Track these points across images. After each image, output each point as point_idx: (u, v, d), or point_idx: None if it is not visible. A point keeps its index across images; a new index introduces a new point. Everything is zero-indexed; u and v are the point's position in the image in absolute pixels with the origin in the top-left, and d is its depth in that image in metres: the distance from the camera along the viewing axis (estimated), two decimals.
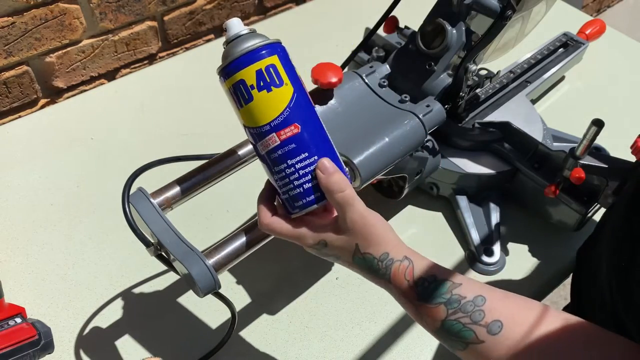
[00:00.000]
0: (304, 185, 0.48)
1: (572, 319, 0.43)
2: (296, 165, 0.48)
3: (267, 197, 0.51)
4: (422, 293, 0.46)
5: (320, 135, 0.49)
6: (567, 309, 0.68)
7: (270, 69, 0.47)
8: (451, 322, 0.44)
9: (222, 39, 1.11)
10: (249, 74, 0.46)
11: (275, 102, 0.47)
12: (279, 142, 0.47)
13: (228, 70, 0.47)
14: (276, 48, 0.48)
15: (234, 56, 0.46)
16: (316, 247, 0.50)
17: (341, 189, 0.47)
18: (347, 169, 0.51)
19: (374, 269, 0.48)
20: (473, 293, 0.45)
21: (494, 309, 0.44)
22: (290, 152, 0.48)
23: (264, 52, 0.47)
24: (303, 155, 0.48)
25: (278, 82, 0.47)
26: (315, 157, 0.48)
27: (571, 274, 0.69)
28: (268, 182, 0.51)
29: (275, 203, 0.52)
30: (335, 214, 0.50)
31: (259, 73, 0.46)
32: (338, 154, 0.50)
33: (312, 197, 0.48)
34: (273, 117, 0.47)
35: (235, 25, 0.48)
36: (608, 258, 0.53)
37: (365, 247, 0.48)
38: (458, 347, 0.45)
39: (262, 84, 0.46)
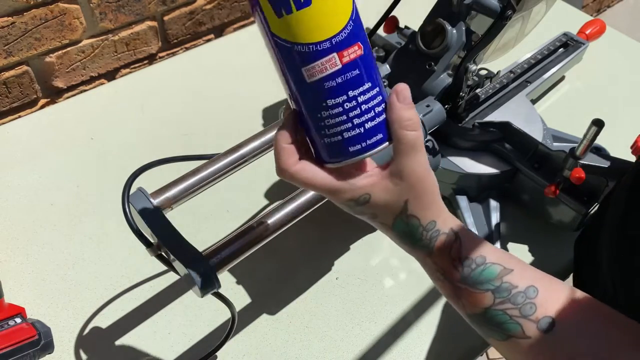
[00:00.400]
0: (366, 124, 0.38)
1: (621, 318, 0.39)
2: (359, 98, 0.37)
3: (290, 136, 0.40)
4: (467, 275, 0.40)
5: (374, 59, 0.39)
6: None
7: None
8: (496, 312, 0.40)
9: (222, 39, 1.12)
10: None
11: (339, 9, 0.35)
12: (340, 65, 0.36)
13: None
14: None
15: None
16: (353, 203, 0.41)
17: (416, 127, 0.39)
18: None
19: (416, 237, 0.42)
20: (525, 283, 0.40)
21: (546, 303, 0.39)
22: (353, 80, 0.37)
23: None
24: (367, 86, 0.37)
25: None
26: (377, 89, 0.38)
27: (571, 274, 0.69)
28: (289, 117, 0.40)
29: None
30: (376, 165, 0.42)
31: None
32: None
33: (375, 139, 0.39)
34: (336, 31, 0.35)
35: None
36: (608, 250, 0.53)
37: (415, 207, 0.40)
38: (496, 337, 0.41)
39: None
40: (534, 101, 0.91)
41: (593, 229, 0.64)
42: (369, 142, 0.39)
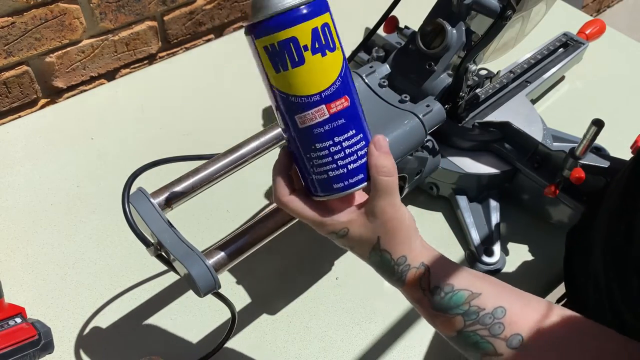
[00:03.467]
0: (349, 166, 0.43)
1: (594, 327, 0.42)
2: (343, 143, 0.42)
3: (285, 169, 0.46)
4: (437, 303, 0.44)
5: (361, 110, 0.44)
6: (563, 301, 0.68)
7: (326, 28, 0.39)
8: (468, 334, 0.43)
9: (222, 39, 1.12)
10: (304, 31, 0.39)
11: (329, 68, 0.40)
12: (327, 115, 0.41)
13: (275, 23, 0.38)
14: (327, 4, 0.40)
15: (286, 6, 0.38)
16: (334, 235, 0.46)
17: (390, 174, 0.43)
18: None
19: (389, 270, 0.46)
20: (493, 304, 0.43)
21: (514, 321, 0.42)
22: (339, 128, 0.42)
23: (321, 6, 0.39)
24: (351, 132, 0.42)
25: (332, 46, 0.40)
26: (361, 135, 0.43)
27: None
28: (285, 154, 0.46)
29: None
30: (357, 202, 0.46)
31: (314, 32, 0.39)
32: None
33: (356, 178, 0.43)
34: (326, 86, 0.40)
35: None
36: (602, 240, 0.53)
37: (386, 242, 0.45)
38: (473, 356, 0.44)
39: (317, 45, 0.39)
40: (534, 101, 0.91)
41: (586, 220, 0.64)
42: (350, 180, 0.44)
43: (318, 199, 0.45)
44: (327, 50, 0.40)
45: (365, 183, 0.44)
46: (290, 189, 0.45)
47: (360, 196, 0.47)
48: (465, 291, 0.44)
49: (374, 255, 0.46)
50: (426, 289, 0.45)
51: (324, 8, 0.40)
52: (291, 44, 0.39)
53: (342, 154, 0.43)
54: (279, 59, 0.40)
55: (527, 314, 0.42)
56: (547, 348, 0.41)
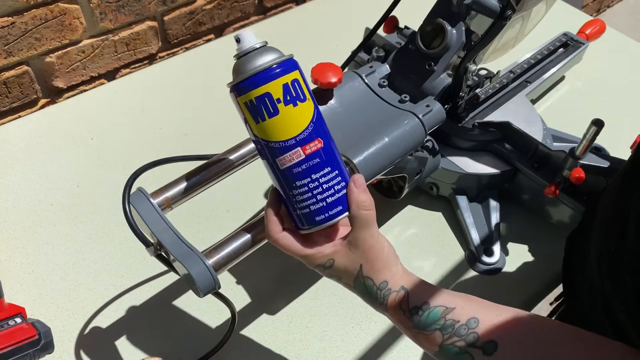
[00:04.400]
0: (327, 199, 0.48)
1: (568, 330, 0.43)
2: (320, 180, 0.48)
3: (275, 209, 0.50)
4: (417, 321, 0.47)
5: (335, 149, 0.49)
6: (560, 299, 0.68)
7: (295, 83, 0.46)
8: (448, 347, 0.45)
9: (222, 39, 1.12)
10: (276, 87, 0.45)
11: (301, 116, 0.47)
12: (303, 156, 0.47)
13: (251, 82, 0.46)
14: (296, 63, 0.47)
15: (259, 68, 0.45)
16: (322, 266, 0.50)
17: (369, 208, 0.48)
18: (347, 167, 0.51)
19: (373, 296, 0.50)
20: (466, 316, 0.45)
21: (488, 330, 0.44)
22: (315, 167, 0.47)
23: (289, 66, 0.46)
24: (327, 170, 0.48)
25: (302, 97, 0.47)
26: (337, 171, 0.48)
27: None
28: (274, 194, 0.51)
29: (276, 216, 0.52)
30: (340, 236, 0.50)
31: (285, 87, 0.46)
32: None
33: (334, 210, 0.48)
34: (299, 132, 0.46)
35: (251, 38, 0.47)
36: (597, 242, 0.54)
37: (368, 270, 0.49)
38: None
39: (288, 97, 0.46)
40: (534, 101, 0.91)
41: (586, 221, 0.64)
42: (330, 212, 0.48)
43: (304, 232, 0.50)
44: (297, 101, 0.46)
45: (346, 213, 0.49)
46: (280, 226, 0.50)
47: (342, 231, 0.51)
48: (440, 307, 0.47)
49: (358, 283, 0.50)
50: (406, 310, 0.48)
51: (292, 67, 0.47)
52: (266, 98, 0.46)
53: (320, 189, 0.48)
54: (257, 111, 0.46)
55: (499, 322, 0.44)
56: (521, 353, 0.42)
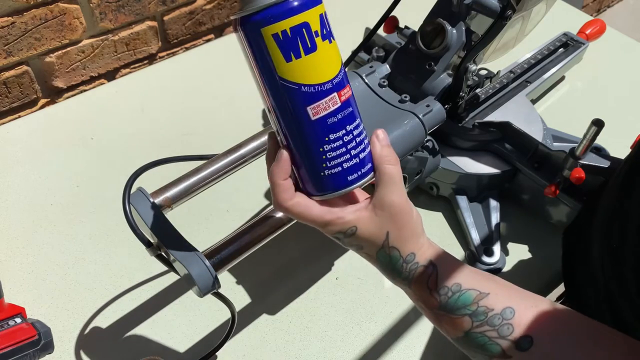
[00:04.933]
0: (360, 155, 0.42)
1: (603, 330, 0.41)
2: (354, 132, 0.42)
3: (285, 173, 0.43)
4: (445, 303, 0.43)
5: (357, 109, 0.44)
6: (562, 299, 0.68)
7: (325, 16, 0.39)
8: (476, 335, 0.42)
9: (222, 39, 1.12)
10: (313, 17, 0.38)
11: (335, 55, 0.40)
12: (339, 103, 0.40)
13: (286, 8, 0.37)
14: None
15: None
16: (342, 235, 0.44)
17: (395, 162, 0.43)
18: None
19: (397, 269, 0.44)
20: (501, 304, 0.42)
21: (523, 322, 0.41)
22: (349, 117, 0.41)
23: None
24: (358, 121, 0.42)
25: (332, 33, 0.40)
26: (362, 125, 0.43)
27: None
28: (284, 157, 0.43)
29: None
30: (364, 198, 0.45)
31: (322, 18, 0.39)
32: None
33: (367, 167, 0.43)
34: (335, 74, 0.40)
35: None
36: (599, 239, 0.54)
37: (395, 238, 0.43)
38: (479, 358, 0.43)
39: (324, 32, 0.39)
40: (534, 101, 0.91)
41: (583, 218, 0.64)
42: (363, 170, 0.43)
43: (325, 197, 0.43)
44: (331, 38, 0.40)
45: (373, 172, 0.43)
46: (292, 192, 0.43)
47: (361, 196, 0.46)
48: (473, 291, 0.42)
49: (381, 254, 0.44)
50: (433, 288, 0.43)
51: None
52: (304, 29, 0.38)
53: (354, 143, 0.42)
54: (291, 46, 0.38)
55: (535, 314, 0.41)
56: (557, 350, 0.40)
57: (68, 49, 0.94)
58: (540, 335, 0.40)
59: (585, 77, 1.00)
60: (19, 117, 0.95)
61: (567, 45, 0.96)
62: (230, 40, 1.08)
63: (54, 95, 0.98)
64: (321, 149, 0.41)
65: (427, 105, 0.64)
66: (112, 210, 0.77)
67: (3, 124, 0.90)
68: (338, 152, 0.41)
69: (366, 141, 0.43)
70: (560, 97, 0.97)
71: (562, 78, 0.99)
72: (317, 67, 0.39)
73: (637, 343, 0.40)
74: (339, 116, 0.41)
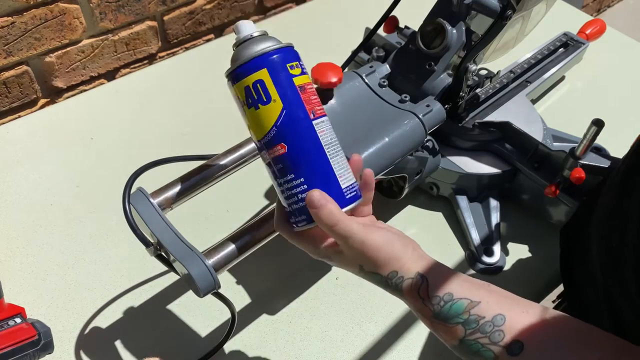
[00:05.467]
0: (294, 205, 0.47)
1: (595, 333, 0.42)
2: (285, 185, 0.47)
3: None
4: (437, 312, 0.45)
5: (314, 156, 0.46)
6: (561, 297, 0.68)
7: (258, 84, 0.45)
8: (469, 342, 0.43)
9: (222, 39, 1.11)
10: (240, 90, 0.46)
11: (263, 119, 0.46)
12: (268, 159, 0.47)
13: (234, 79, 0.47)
14: (265, 60, 0.45)
15: (228, 71, 0.47)
16: (323, 259, 0.49)
17: (332, 223, 0.44)
18: (358, 182, 0.48)
19: (382, 284, 0.47)
20: (492, 312, 0.43)
21: (514, 328, 0.42)
22: (280, 171, 0.47)
23: (256, 64, 0.45)
24: (290, 177, 0.46)
25: (265, 99, 0.45)
26: (302, 180, 0.46)
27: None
28: None
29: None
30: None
31: (247, 89, 0.45)
32: (344, 169, 0.47)
33: (303, 217, 0.47)
34: (262, 136, 0.46)
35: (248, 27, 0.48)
36: (598, 238, 0.54)
37: (371, 268, 0.47)
38: None
39: (250, 100, 0.46)
40: (534, 101, 0.91)
41: (581, 217, 0.64)
42: (298, 218, 0.47)
43: (295, 230, 0.49)
44: (259, 104, 0.45)
45: (311, 225, 0.47)
46: (286, 217, 0.49)
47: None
48: (465, 300, 0.44)
49: (363, 275, 0.48)
50: (425, 297, 0.45)
51: (258, 67, 0.45)
52: (251, 89, 0.45)
53: (289, 193, 0.47)
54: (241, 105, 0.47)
55: (526, 320, 0.42)
56: (547, 354, 0.41)
57: (68, 49, 0.94)
58: (531, 340, 0.41)
59: (585, 77, 1.00)
60: (19, 117, 0.95)
61: (567, 45, 0.96)
62: (230, 40, 1.07)
63: (54, 95, 0.98)
64: (278, 186, 0.48)
65: (427, 105, 0.64)
66: (112, 210, 0.77)
67: (3, 124, 0.90)
68: (283, 195, 0.47)
69: (301, 195, 0.46)
70: (560, 97, 0.97)
71: (562, 78, 0.99)
72: (251, 127, 0.47)
73: (628, 344, 0.40)
74: (275, 168, 0.47)
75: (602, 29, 0.99)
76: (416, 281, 0.45)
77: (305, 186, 0.46)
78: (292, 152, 0.45)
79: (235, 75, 0.46)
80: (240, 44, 0.47)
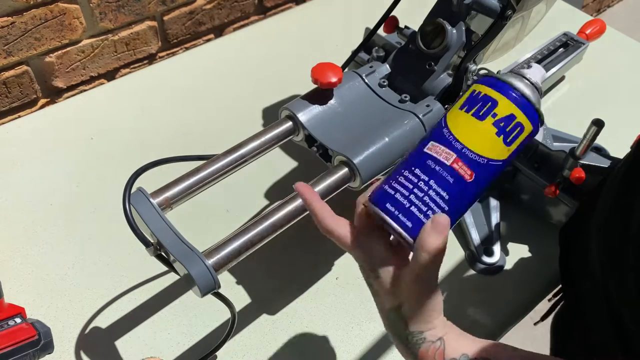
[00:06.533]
0: (413, 208, 0.42)
1: None
2: (430, 192, 0.42)
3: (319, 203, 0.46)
4: None
5: (471, 201, 0.44)
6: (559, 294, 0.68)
7: (512, 119, 0.44)
8: None
9: (222, 39, 1.11)
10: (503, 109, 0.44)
11: (487, 141, 0.43)
12: (447, 164, 0.43)
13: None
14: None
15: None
16: (364, 269, 0.46)
17: (433, 251, 0.41)
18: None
19: (402, 338, 0.44)
20: None
21: None
22: (441, 179, 0.43)
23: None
24: (443, 194, 0.42)
25: (511, 138, 0.44)
26: (446, 207, 0.43)
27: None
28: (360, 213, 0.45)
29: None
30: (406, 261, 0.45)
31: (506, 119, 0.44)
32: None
33: (409, 224, 0.43)
34: (479, 153, 0.43)
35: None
36: (598, 238, 0.54)
37: (408, 311, 0.43)
38: None
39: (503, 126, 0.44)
40: None
41: (581, 217, 0.64)
42: (409, 225, 0.43)
43: (371, 208, 0.45)
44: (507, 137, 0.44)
45: (412, 239, 0.42)
46: (335, 216, 0.46)
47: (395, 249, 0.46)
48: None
49: (392, 315, 0.45)
50: None
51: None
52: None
53: (418, 200, 0.42)
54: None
55: None
56: None
57: (68, 48, 0.94)
58: None
59: (585, 77, 1.00)
60: (19, 117, 0.95)
61: (567, 45, 0.96)
62: (230, 40, 1.08)
63: (54, 95, 0.98)
64: (399, 176, 0.43)
65: (427, 105, 0.64)
66: (112, 210, 0.77)
67: (3, 124, 0.90)
68: (416, 194, 0.42)
69: (429, 212, 0.42)
70: (560, 97, 0.97)
71: (562, 78, 0.99)
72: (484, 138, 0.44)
73: None
74: (439, 171, 0.42)
75: (602, 29, 0.99)
76: (435, 345, 0.43)
77: (445, 208, 0.43)
78: (470, 185, 0.43)
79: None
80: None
